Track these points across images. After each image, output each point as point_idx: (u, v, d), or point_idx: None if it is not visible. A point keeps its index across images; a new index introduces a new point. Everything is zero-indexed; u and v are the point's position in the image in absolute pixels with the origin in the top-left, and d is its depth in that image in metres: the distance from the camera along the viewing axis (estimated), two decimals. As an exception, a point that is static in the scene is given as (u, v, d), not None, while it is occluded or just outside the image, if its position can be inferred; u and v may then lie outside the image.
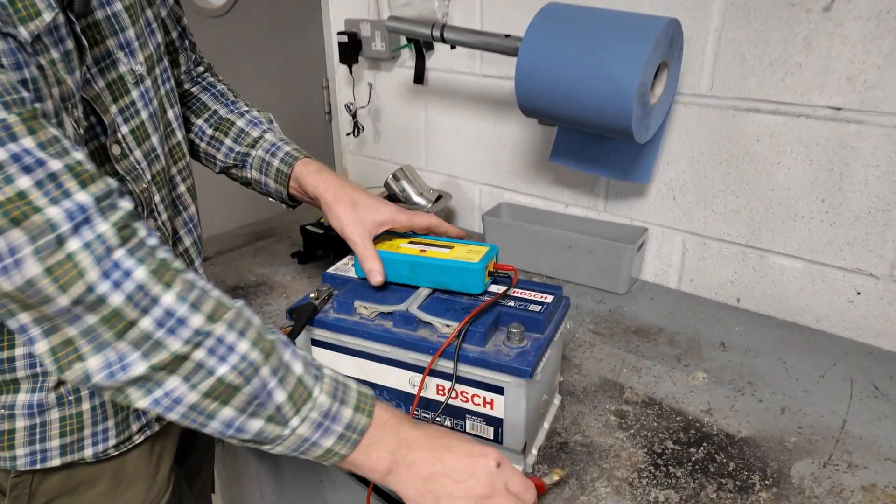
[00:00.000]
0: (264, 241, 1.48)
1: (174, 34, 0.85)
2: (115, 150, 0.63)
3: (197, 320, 0.52)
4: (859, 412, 0.89)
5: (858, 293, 1.03)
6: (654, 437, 0.84)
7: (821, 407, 0.90)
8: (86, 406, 0.70)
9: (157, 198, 0.70)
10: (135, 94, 0.66)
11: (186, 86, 0.92)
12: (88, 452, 0.72)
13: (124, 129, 0.65)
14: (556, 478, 0.76)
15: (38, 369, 0.67)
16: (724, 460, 0.80)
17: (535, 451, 0.81)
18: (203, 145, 0.91)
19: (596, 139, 1.14)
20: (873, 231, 0.99)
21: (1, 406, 0.67)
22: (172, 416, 0.54)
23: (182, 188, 0.79)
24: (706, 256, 1.18)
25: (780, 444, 0.83)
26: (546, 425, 0.85)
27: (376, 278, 0.80)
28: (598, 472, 0.79)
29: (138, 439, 0.77)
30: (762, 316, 1.13)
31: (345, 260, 0.92)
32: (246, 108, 0.94)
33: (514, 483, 0.64)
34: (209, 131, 0.91)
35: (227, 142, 0.90)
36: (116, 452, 0.75)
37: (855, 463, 0.79)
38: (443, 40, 1.16)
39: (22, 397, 0.67)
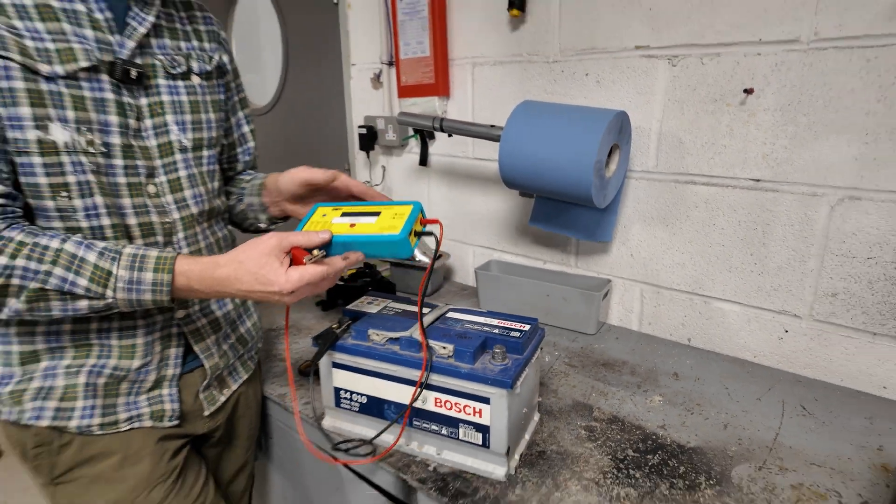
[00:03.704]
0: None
1: (239, 151, 1.01)
2: (151, 189, 0.80)
3: (3, 260, 0.68)
4: (790, 427, 0.97)
5: (786, 331, 1.14)
6: (617, 447, 0.93)
7: (758, 423, 0.99)
8: (81, 380, 0.79)
9: (181, 234, 0.84)
10: (178, 157, 0.83)
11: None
12: (73, 424, 0.79)
13: (163, 178, 0.81)
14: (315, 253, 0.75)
15: (55, 344, 0.78)
16: (676, 465, 0.89)
17: (517, 457, 0.90)
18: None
19: (566, 206, 1.29)
20: (794, 278, 1.12)
21: (23, 372, 0.78)
22: (27, 317, 0.71)
23: (212, 238, 0.91)
24: (660, 303, 1.30)
25: (723, 452, 0.91)
26: (527, 436, 0.95)
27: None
28: (569, 474, 0.87)
29: (125, 427, 0.82)
30: (710, 352, 1.24)
31: (361, 299, 1.04)
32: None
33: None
34: (226, 187, 1.02)
35: (236, 188, 1.02)
36: (101, 432, 0.80)
37: (785, 467, 0.88)
38: (441, 130, 1.34)
39: (43, 364, 0.79)
